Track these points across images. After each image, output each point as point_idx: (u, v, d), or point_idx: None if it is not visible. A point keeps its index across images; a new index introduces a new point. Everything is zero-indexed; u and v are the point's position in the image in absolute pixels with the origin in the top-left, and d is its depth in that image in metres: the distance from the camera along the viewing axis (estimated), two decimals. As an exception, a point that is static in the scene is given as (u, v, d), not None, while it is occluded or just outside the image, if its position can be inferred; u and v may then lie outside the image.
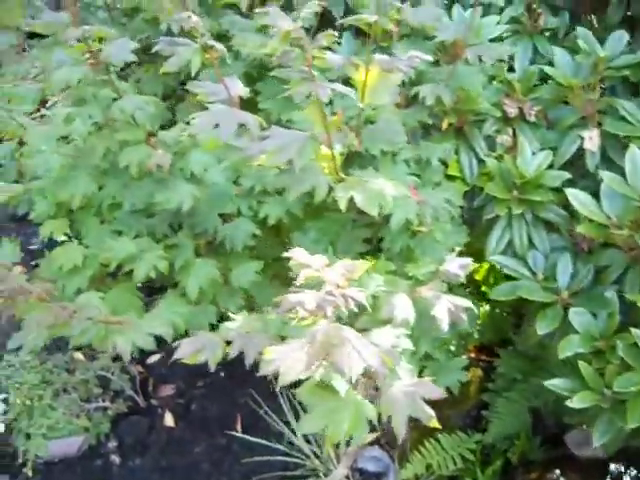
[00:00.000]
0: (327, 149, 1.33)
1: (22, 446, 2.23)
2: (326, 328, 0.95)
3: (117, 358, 2.49)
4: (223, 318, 1.86)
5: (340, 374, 0.93)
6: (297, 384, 2.11)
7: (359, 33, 1.98)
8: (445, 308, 1.27)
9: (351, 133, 1.35)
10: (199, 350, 1.25)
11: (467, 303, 1.29)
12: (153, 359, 2.57)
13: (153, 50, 1.36)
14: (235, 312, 1.72)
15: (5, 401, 2.27)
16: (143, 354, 2.45)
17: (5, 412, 2.24)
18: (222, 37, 2.00)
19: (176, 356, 1.25)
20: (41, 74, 2.80)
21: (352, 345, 0.95)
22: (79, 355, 2.50)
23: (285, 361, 1.02)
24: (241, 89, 1.39)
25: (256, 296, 1.84)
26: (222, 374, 2.54)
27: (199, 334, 1.29)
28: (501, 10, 2.03)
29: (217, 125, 1.28)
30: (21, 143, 2.36)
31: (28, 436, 2.24)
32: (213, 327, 1.81)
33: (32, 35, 2.91)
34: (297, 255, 0.99)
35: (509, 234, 1.76)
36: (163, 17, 1.83)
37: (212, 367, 1.26)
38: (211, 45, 1.32)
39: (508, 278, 1.83)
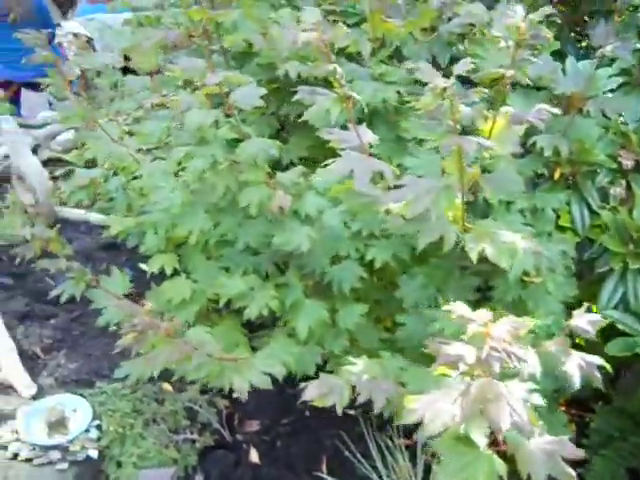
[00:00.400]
0: (457, 199, 1.34)
1: (113, 474, 2.26)
2: (481, 382, 0.95)
3: (204, 391, 2.52)
4: (326, 360, 1.88)
5: (496, 429, 0.93)
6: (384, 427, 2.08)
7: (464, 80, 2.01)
8: (576, 364, 1.25)
9: (481, 183, 1.36)
10: (326, 394, 1.26)
11: (599, 360, 1.27)
12: (238, 393, 2.59)
13: (294, 98, 1.41)
14: (340, 353, 1.74)
15: (99, 427, 2.32)
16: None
17: (99, 439, 2.29)
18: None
19: (304, 398, 1.27)
20: (138, 109, 2.91)
21: (506, 400, 0.95)
22: (168, 386, 2.53)
23: (429, 411, 1.02)
24: (371, 137, 1.42)
25: (359, 338, 1.85)
26: (307, 413, 2.54)
27: (324, 377, 1.31)
28: (610, 62, 2.02)
29: (352, 171, 1.31)
30: (115, 173, 2.46)
31: (119, 464, 2.27)
32: (319, 368, 1.82)
33: (124, 71, 3.05)
34: (459, 309, 1.00)
35: (622, 288, 1.72)
36: (280, 63, 1.90)
37: (339, 411, 1.27)
38: (349, 95, 1.35)
39: (614, 333, 1.78)
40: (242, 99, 1.56)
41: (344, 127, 1.58)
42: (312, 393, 1.26)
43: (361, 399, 1.24)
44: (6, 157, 3.80)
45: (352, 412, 2.41)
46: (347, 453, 2.30)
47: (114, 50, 3.25)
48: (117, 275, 1.94)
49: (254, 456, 2.42)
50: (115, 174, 2.47)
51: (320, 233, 1.69)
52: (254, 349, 1.85)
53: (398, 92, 1.76)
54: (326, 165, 1.35)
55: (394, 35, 1.77)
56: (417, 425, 2.28)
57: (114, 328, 2.74)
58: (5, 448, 2.23)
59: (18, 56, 4.93)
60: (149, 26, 1.97)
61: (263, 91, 1.57)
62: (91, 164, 3.84)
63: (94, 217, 3.45)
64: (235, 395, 2.64)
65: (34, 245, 1.78)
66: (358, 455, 2.26)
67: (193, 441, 2.40)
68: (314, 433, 2.48)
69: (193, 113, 1.55)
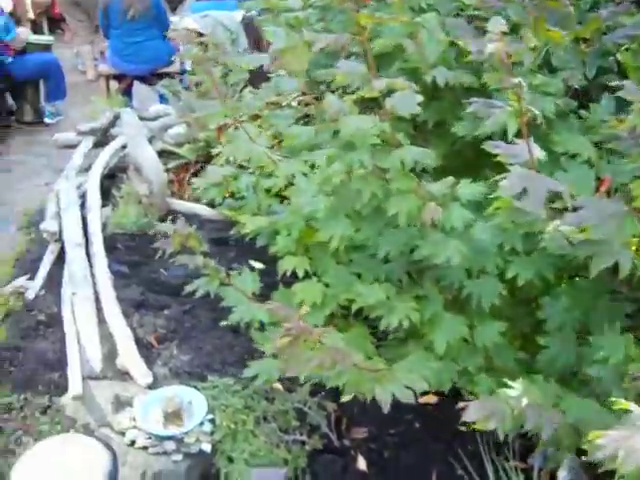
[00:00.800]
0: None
1: (224, 468, 2.28)
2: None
3: (314, 393, 2.51)
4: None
5: None
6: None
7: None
8: None
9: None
10: (488, 416, 1.21)
11: None
12: (347, 397, 2.56)
13: (468, 110, 1.37)
14: (474, 371, 1.68)
15: (212, 422, 2.34)
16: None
17: (212, 433, 2.31)
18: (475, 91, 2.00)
19: (465, 418, 1.23)
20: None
21: None
22: (278, 385, 2.53)
23: (623, 449, 0.96)
24: (539, 152, 1.36)
25: (494, 357, 1.79)
26: (417, 424, 2.49)
27: (485, 399, 1.26)
28: None
29: (524, 189, 1.25)
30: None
31: (231, 459, 2.29)
32: (453, 385, 1.78)
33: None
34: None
35: None
36: (426, 69, 1.86)
37: (501, 436, 1.22)
38: (527, 109, 1.30)
39: None
40: (399, 105, 1.53)
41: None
42: (473, 415, 1.22)
43: (528, 427, 1.19)
44: (123, 147, 3.93)
45: (464, 428, 2.35)
46: (460, 471, 2.24)
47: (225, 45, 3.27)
48: (248, 274, 1.95)
49: (362, 464, 2.39)
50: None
51: (467, 246, 1.64)
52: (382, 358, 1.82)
53: (556, 104, 1.69)
54: (496, 181, 1.30)
55: (555, 44, 1.70)
56: (532, 449, 2.19)
57: (225, 323, 2.78)
58: (123, 434, 2.29)
59: (133, 51, 5.12)
60: (299, 28, 1.97)
61: (420, 98, 1.53)
62: (203, 159, 3.93)
63: (204, 211, 3.51)
64: (344, 399, 2.63)
65: (174, 240, 1.81)
66: (473, 474, 2.20)
67: (302, 443, 2.39)
68: (424, 446, 2.42)
69: (351, 119, 1.53)
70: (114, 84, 5.59)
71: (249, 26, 4.99)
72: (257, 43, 5.04)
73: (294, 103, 3.56)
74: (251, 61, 1.94)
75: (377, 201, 1.66)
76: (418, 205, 1.57)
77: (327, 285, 1.88)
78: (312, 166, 2.01)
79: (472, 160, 2.10)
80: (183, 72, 5.22)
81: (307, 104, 3.39)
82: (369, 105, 1.94)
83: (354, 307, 1.79)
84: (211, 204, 2.97)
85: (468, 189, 1.70)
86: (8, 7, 5.37)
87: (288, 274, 1.97)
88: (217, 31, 4.63)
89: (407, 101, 1.52)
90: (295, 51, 1.66)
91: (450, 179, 1.65)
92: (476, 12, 2.13)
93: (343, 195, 1.75)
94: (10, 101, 5.40)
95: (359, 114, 1.71)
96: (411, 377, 1.51)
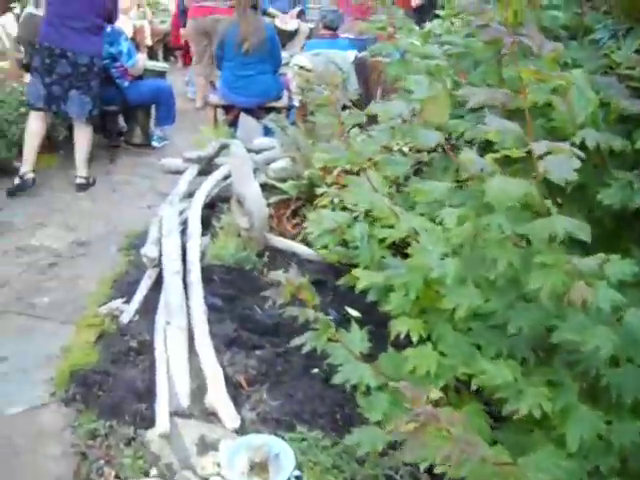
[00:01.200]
0: None
1: (305, 533, 2.14)
2: None
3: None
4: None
5: None
6: None
7: None
8: None
9: None
10: None
11: None
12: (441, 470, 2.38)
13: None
14: (606, 472, 1.48)
15: (298, 479, 2.21)
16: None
17: (297, 490, 2.18)
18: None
19: None
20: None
21: None
22: (369, 446, 2.38)
23: None
24: None
25: (630, 459, 1.58)
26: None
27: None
28: None
29: None
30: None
31: (317, 524, 2.15)
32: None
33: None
34: None
35: None
36: (574, 129, 1.70)
37: None
38: None
39: None
40: (554, 169, 1.38)
41: None
42: None
43: None
44: (224, 178, 3.93)
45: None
46: None
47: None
48: (357, 332, 1.83)
49: None
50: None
51: (616, 333, 1.45)
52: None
53: None
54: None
55: None
56: None
57: (317, 371, 2.66)
58: (205, 480, 2.19)
59: (243, 84, 5.19)
60: (438, 76, 1.86)
61: (578, 163, 1.38)
62: (304, 197, 3.86)
63: (303, 250, 3.44)
64: (437, 471, 2.44)
65: (285, 290, 1.71)
66: None
67: (391, 516, 2.22)
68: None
69: (497, 182, 1.39)
70: (220, 113, 5.68)
71: (360, 66, 4.96)
72: (366, 83, 5.00)
73: (405, 149, 3.45)
74: (388, 110, 1.83)
75: (513, 271, 1.51)
76: (564, 281, 1.41)
77: (443, 354, 1.72)
78: (439, 222, 1.87)
79: (611, 231, 1.92)
80: (290, 107, 5.24)
81: (419, 151, 3.28)
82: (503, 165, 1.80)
83: (474, 383, 1.62)
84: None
85: (617, 267, 1.52)
86: (129, 34, 5.58)
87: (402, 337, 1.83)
88: (329, 70, 4.62)
89: (564, 166, 1.37)
90: (437, 101, 1.55)
91: (601, 255, 1.47)
92: (628, 71, 1.96)
93: (471, 260, 1.61)
94: (122, 123, 5.57)
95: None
96: (542, 478, 1.34)
